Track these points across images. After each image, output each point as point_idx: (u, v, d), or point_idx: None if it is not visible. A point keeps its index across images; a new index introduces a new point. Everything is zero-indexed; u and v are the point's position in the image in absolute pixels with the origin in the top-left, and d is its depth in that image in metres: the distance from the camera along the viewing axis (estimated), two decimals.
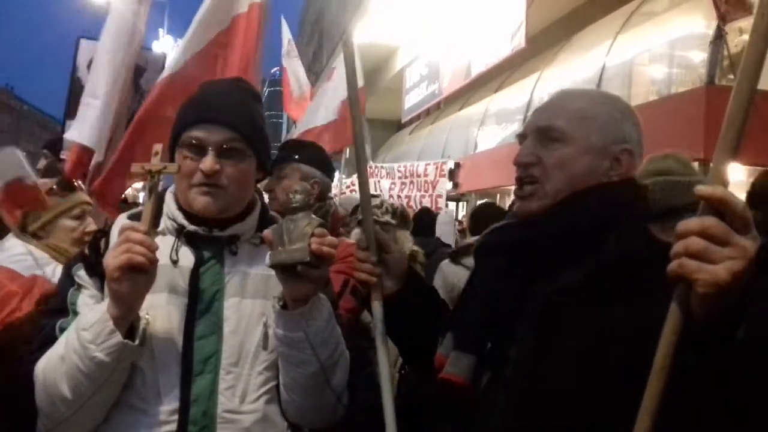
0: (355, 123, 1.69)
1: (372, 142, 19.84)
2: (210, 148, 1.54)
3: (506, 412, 1.30)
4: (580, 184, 1.36)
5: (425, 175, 10.39)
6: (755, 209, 2.30)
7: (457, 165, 14.40)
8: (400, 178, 10.63)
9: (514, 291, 1.38)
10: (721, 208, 0.92)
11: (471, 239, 4.28)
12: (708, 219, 0.92)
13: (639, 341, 1.13)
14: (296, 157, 2.71)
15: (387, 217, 3.64)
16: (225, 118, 1.57)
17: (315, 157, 2.82)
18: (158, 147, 1.52)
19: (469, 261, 3.58)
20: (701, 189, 0.93)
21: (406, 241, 3.78)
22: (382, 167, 11.17)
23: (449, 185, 12.17)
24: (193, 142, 1.55)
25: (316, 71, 31.46)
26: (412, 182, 10.45)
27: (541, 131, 1.41)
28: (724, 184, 0.95)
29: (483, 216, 4.69)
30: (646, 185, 1.45)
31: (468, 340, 1.41)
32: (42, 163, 3.81)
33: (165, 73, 2.71)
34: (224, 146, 1.55)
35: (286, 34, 7.77)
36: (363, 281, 1.61)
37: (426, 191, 10.27)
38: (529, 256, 1.39)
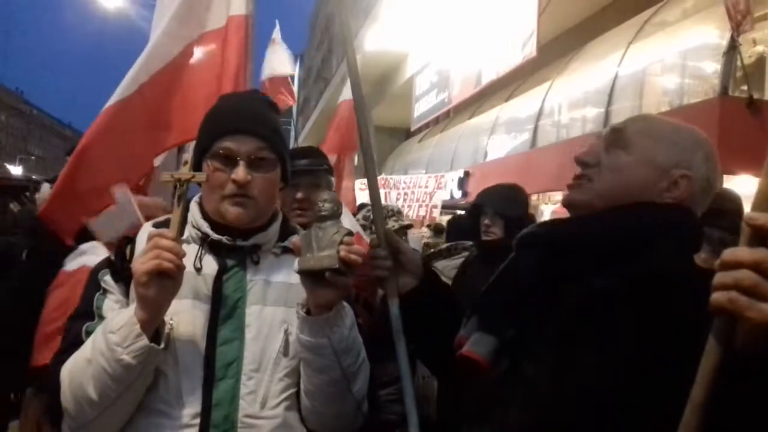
0: (362, 128, 1.73)
1: (380, 150, 19.87)
2: (241, 159, 1.57)
3: (524, 409, 1.30)
4: (630, 195, 1.36)
5: (426, 187, 10.91)
6: None
7: (467, 174, 14.37)
8: (404, 189, 11.12)
9: (545, 287, 1.37)
10: None
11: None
12: (762, 252, 0.88)
13: (669, 357, 1.12)
14: (325, 166, 2.73)
15: (402, 219, 3.70)
16: (255, 128, 1.61)
17: (331, 167, 2.85)
18: (187, 156, 1.55)
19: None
20: (753, 217, 0.89)
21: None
22: (390, 179, 11.62)
23: (446, 196, 12.71)
24: (224, 152, 1.57)
25: (325, 77, 31.55)
26: (413, 192, 10.96)
27: (612, 132, 1.44)
28: None
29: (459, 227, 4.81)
30: (697, 215, 1.42)
31: (492, 322, 1.43)
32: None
33: (111, 101, 2.40)
34: (254, 157, 1.58)
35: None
36: (378, 277, 1.67)
37: (423, 201, 10.78)
38: (564, 254, 1.38)
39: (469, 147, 16.36)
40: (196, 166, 1.60)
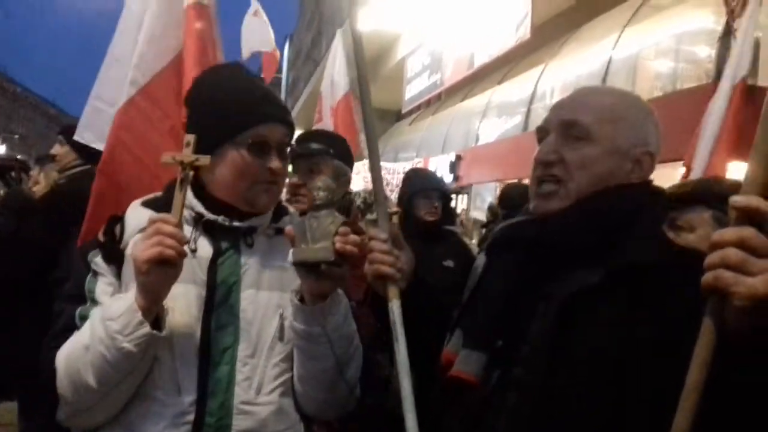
0: (367, 117, 1.67)
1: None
2: (273, 147, 1.59)
3: (515, 412, 1.28)
4: (601, 185, 1.34)
5: (403, 173, 11.06)
6: None
7: (458, 157, 14.34)
8: (385, 176, 11.23)
9: (528, 290, 1.35)
10: (757, 218, 0.91)
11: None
12: (746, 230, 0.91)
13: (657, 346, 1.14)
14: (331, 151, 2.63)
15: (390, 206, 3.61)
16: (283, 116, 1.64)
17: (346, 151, 2.76)
18: (190, 138, 1.49)
19: None
20: (736, 200, 0.92)
21: None
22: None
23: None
24: (260, 140, 1.57)
25: (315, 58, 31.33)
26: (392, 179, 11.18)
27: (566, 126, 1.38)
28: (759, 192, 0.92)
29: (512, 195, 4.81)
30: (663, 188, 1.44)
31: (479, 337, 1.40)
32: (57, 148, 3.72)
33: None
34: (282, 144, 1.61)
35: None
36: (384, 275, 1.51)
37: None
38: (544, 254, 1.36)
39: (460, 130, 16.32)
40: (205, 149, 1.50)
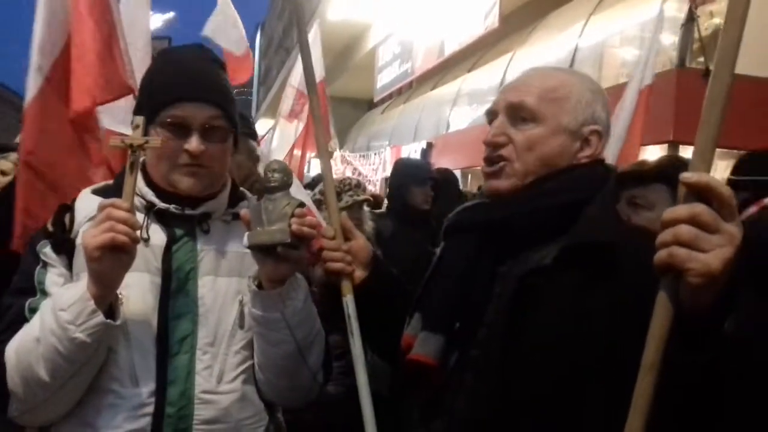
0: (314, 108, 1.65)
1: (343, 121, 19.71)
2: (194, 128, 1.50)
3: (473, 393, 1.30)
4: (550, 165, 1.36)
5: (372, 164, 11.71)
6: (745, 190, 2.36)
7: (430, 145, 14.37)
8: (357, 165, 11.93)
9: (484, 271, 1.37)
10: (707, 195, 0.91)
11: None
12: (697, 206, 0.91)
13: (611, 325, 1.15)
14: (246, 131, 2.56)
15: (360, 193, 3.54)
16: (207, 95, 1.53)
17: (253, 130, 2.74)
18: (139, 120, 1.44)
19: None
20: (686, 176, 0.92)
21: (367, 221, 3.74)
22: (347, 155, 12.50)
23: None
24: (176, 121, 1.49)
25: (287, 47, 31.07)
26: (365, 168, 11.49)
27: (512, 109, 1.39)
28: (707, 170, 0.93)
29: None
30: (614, 167, 1.42)
31: (437, 320, 1.40)
32: (20, 137, 3.66)
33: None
34: (208, 126, 1.50)
35: None
36: (336, 272, 1.55)
37: (369, 178, 11.66)
38: (499, 236, 1.37)
39: (431, 118, 16.32)
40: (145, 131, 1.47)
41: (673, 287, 0.94)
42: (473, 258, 1.39)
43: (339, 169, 10.96)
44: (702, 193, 0.91)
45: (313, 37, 6.50)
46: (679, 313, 0.95)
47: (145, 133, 1.46)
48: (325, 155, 1.64)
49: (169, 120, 1.50)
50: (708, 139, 0.93)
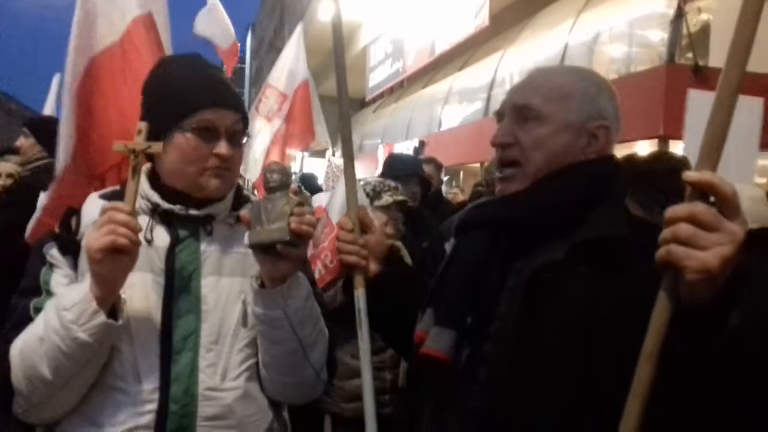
0: (342, 104, 1.67)
1: (335, 120, 19.68)
2: (222, 132, 1.55)
3: (486, 387, 1.31)
4: (558, 162, 1.37)
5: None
6: None
7: (422, 143, 14.42)
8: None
9: (496, 267, 1.38)
10: (710, 193, 0.93)
11: None
12: (696, 205, 0.93)
13: (621, 318, 1.16)
14: None
15: (398, 194, 3.51)
16: (234, 102, 1.59)
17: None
18: (142, 125, 1.47)
19: None
20: (689, 175, 0.93)
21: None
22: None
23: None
24: (207, 125, 1.53)
25: (278, 47, 31.02)
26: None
27: (518, 110, 1.41)
28: (713, 168, 0.94)
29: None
30: (622, 162, 1.45)
31: (449, 315, 1.40)
32: (21, 141, 3.76)
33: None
34: (233, 130, 1.57)
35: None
36: (351, 265, 1.58)
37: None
38: (510, 232, 1.39)
39: (423, 116, 16.38)
40: (156, 137, 1.49)
41: (673, 283, 0.96)
42: (484, 254, 1.40)
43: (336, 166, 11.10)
44: (705, 191, 0.93)
45: (297, 38, 6.57)
46: (678, 307, 0.96)
47: (159, 139, 1.49)
48: (349, 152, 1.65)
49: (199, 125, 1.53)
50: (714, 138, 0.94)
